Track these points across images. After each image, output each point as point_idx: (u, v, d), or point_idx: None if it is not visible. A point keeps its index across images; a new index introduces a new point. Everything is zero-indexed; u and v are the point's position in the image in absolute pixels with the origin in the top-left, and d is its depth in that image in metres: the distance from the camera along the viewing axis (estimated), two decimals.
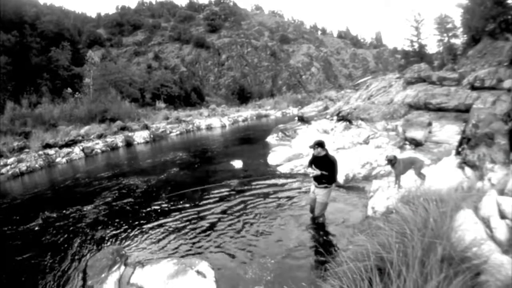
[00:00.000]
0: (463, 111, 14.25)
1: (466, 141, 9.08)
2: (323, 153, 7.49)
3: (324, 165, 7.42)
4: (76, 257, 7.70)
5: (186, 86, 64.89)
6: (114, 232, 9.01)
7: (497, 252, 3.93)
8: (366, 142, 14.54)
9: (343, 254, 4.46)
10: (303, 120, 26.17)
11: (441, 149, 11.97)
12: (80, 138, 26.10)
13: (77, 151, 24.14)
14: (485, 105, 12.97)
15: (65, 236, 9.13)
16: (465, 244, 4.01)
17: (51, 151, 22.54)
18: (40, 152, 21.98)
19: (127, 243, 8.16)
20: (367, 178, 11.31)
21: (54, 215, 11.04)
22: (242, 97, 77.76)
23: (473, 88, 15.45)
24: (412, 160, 8.48)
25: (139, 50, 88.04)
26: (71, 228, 9.71)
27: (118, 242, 8.27)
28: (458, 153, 9.54)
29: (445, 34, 39.22)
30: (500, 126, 8.67)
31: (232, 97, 78.85)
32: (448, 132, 13.35)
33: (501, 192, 5.61)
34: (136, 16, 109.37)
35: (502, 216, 4.69)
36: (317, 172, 7.46)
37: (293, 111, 55.13)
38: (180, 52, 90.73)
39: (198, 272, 5.90)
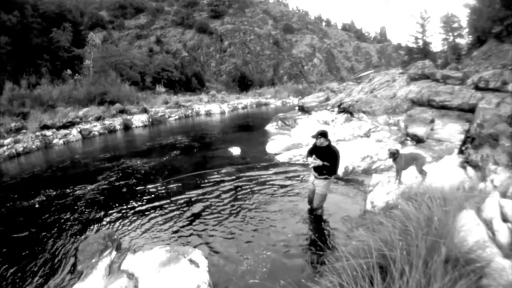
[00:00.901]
0: (466, 111, 14.24)
1: (470, 140, 8.96)
2: (326, 143, 7.33)
3: (326, 156, 7.25)
4: (69, 239, 7.61)
5: (187, 71, 64.55)
6: (108, 214, 8.92)
7: (498, 256, 3.81)
8: (367, 135, 14.42)
9: (343, 249, 4.28)
10: (303, 110, 26.06)
11: (443, 147, 11.88)
12: (78, 120, 25.85)
13: (74, 133, 23.98)
14: (490, 106, 12.80)
15: (59, 217, 9.03)
16: (469, 245, 3.90)
17: (48, 132, 22.33)
18: (37, 133, 21.78)
19: (120, 226, 8.06)
20: (367, 171, 11.19)
21: (50, 195, 10.96)
22: (243, 84, 77.46)
23: (477, 88, 15.40)
24: (415, 156, 8.33)
25: (141, 34, 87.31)
26: (66, 209, 9.61)
27: (111, 225, 8.18)
28: (461, 152, 9.43)
29: (450, 33, 39.11)
30: (505, 127, 8.59)
31: (232, 84, 78.55)
32: (450, 130, 13.27)
33: (504, 195, 5.52)
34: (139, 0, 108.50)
35: (504, 219, 4.58)
36: (318, 162, 7.28)
37: (294, 101, 55.22)
38: (183, 37, 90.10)
39: (191, 261, 5.73)
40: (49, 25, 44.10)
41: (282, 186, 10.31)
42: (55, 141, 22.15)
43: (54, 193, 11.20)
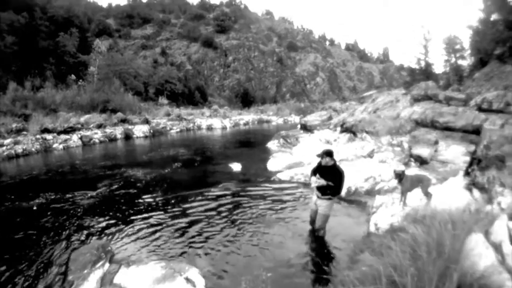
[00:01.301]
0: (470, 132, 14.12)
1: (476, 162, 8.80)
2: (331, 163, 7.10)
3: (331, 176, 7.01)
4: (62, 245, 7.36)
5: (190, 84, 64.82)
6: (103, 223, 8.68)
7: (509, 281, 3.62)
8: (370, 155, 14.24)
9: (349, 273, 4.09)
10: (306, 128, 25.98)
11: (447, 168, 11.68)
12: (79, 126, 25.86)
13: (75, 139, 23.93)
14: (494, 127, 12.69)
15: (55, 221, 8.84)
16: (480, 270, 3.72)
17: (49, 136, 22.28)
18: (38, 136, 21.74)
19: (115, 237, 7.80)
20: (370, 192, 10.92)
21: (47, 199, 10.81)
22: (245, 100, 77.81)
23: (480, 109, 15.31)
24: (420, 178, 8.13)
25: (147, 44, 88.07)
26: (62, 213, 9.41)
27: (106, 235, 7.93)
28: (467, 173, 9.27)
29: (452, 55, 39.21)
30: (511, 149, 8.45)
31: (235, 99, 78.89)
32: (454, 152, 13.10)
33: (511, 217, 5.21)
34: (147, 10, 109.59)
35: None
36: (322, 182, 7.04)
37: (295, 119, 55.21)
38: (187, 49, 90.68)
39: (187, 280, 5.49)
40: (57, 29, 44.44)
41: (283, 205, 10.06)
42: (55, 145, 22.08)
43: (52, 197, 11.02)
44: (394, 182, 9.87)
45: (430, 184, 8.11)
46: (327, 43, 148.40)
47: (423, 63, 41.06)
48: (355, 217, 9.01)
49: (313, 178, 7.28)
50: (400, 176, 7.84)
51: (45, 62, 40.75)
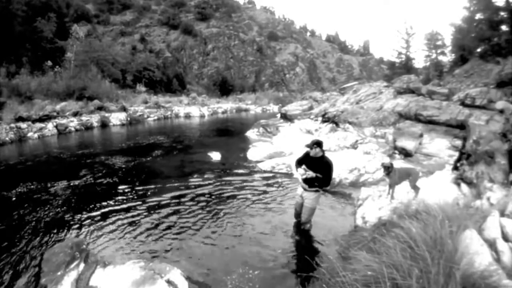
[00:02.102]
0: (453, 126, 14.27)
1: (465, 157, 8.79)
2: (320, 154, 6.82)
3: (319, 167, 6.73)
4: (35, 243, 6.93)
5: (169, 72, 64.05)
6: (79, 217, 8.25)
7: (505, 278, 3.62)
8: (354, 147, 14.12)
9: (347, 274, 3.84)
10: (286, 117, 25.80)
11: (432, 162, 11.68)
12: (55, 114, 25.08)
13: (50, 127, 23.21)
14: (479, 123, 12.68)
15: (28, 214, 8.39)
16: (479, 269, 3.63)
17: (23, 125, 21.50)
18: (12, 125, 20.96)
19: (90, 232, 7.40)
20: (354, 184, 10.76)
21: (21, 191, 10.32)
22: (224, 89, 77.31)
23: (463, 105, 15.58)
24: (409, 171, 7.99)
25: (126, 31, 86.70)
26: (36, 206, 8.96)
27: (81, 230, 7.52)
28: (455, 168, 9.24)
29: (433, 51, 39.75)
30: (499, 145, 8.50)
31: (213, 88, 78.34)
32: (438, 145, 13.16)
33: (501, 213, 5.36)
34: None
35: (506, 238, 4.47)
36: (311, 174, 6.75)
37: (274, 108, 55.61)
38: (167, 37, 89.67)
39: (169, 282, 5.11)
40: (34, 14, 43.07)
41: (266, 196, 9.80)
42: (29, 134, 21.33)
43: (25, 188, 10.54)
44: (379, 174, 9.76)
45: (418, 177, 8.01)
46: (308, 34, 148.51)
47: (404, 57, 41.48)
48: (340, 210, 8.84)
49: (300, 170, 6.98)
50: (388, 169, 7.69)
51: (22, 48, 39.51)
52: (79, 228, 7.66)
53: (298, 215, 7.48)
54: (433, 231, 4.24)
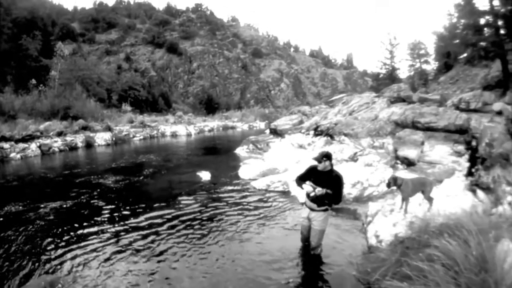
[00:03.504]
0: (452, 132, 13.93)
1: (480, 161, 8.44)
2: (329, 168, 6.14)
3: (328, 182, 5.98)
4: (8, 275, 6.04)
5: (154, 91, 63.94)
6: (59, 245, 7.34)
7: None
8: (353, 159, 13.57)
9: None
10: (276, 132, 25.29)
11: (436, 169, 11.18)
12: (38, 134, 24.31)
13: (33, 148, 22.38)
14: (480, 126, 12.40)
15: (2, 242, 7.52)
16: None
17: (6, 145, 20.77)
18: None
19: (70, 263, 6.46)
20: (359, 199, 10.12)
21: None
22: (210, 107, 77.50)
23: (458, 109, 15.40)
24: (423, 182, 7.41)
25: (111, 49, 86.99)
26: (14, 232, 8.10)
27: (60, 259, 6.59)
28: (470, 174, 8.94)
29: (417, 60, 40.20)
30: (511, 146, 8.13)
31: (199, 106, 78.50)
32: (439, 152, 12.76)
33: None
34: (112, 14, 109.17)
35: None
36: (321, 191, 5.95)
37: (260, 124, 55.88)
38: (152, 55, 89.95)
39: None
40: (20, 32, 42.74)
41: (264, 219, 8.92)
42: (12, 155, 20.57)
43: (4, 211, 9.79)
44: (385, 187, 9.25)
45: (432, 187, 7.44)
46: (292, 49, 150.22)
47: (389, 68, 41.73)
48: (347, 229, 8.07)
49: (307, 187, 6.17)
50: (395, 180, 7.13)
51: (6, 66, 38.95)
52: (58, 258, 6.71)
53: (305, 239, 6.68)
54: (475, 248, 3.76)
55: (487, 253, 3.66)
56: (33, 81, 36.85)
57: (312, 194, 6.10)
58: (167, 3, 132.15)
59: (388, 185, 7.28)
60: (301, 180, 6.38)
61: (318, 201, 6.12)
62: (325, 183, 5.99)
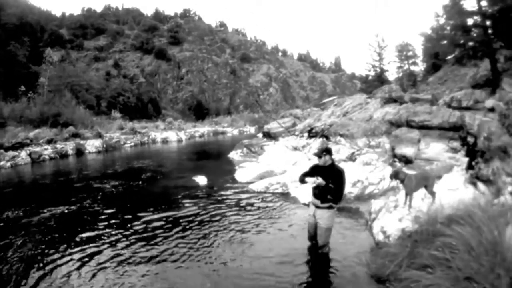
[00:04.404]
0: (447, 129, 14.15)
1: (479, 154, 8.66)
2: (329, 162, 6.15)
3: (330, 177, 5.94)
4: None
5: (144, 97, 63.81)
6: (54, 255, 6.89)
7: None
8: (352, 159, 13.59)
9: None
10: (269, 136, 25.31)
11: (433, 166, 11.29)
12: (28, 141, 24.10)
13: (23, 156, 22.10)
14: (475, 123, 12.75)
15: None
16: None
17: None
18: None
19: (62, 276, 6.03)
20: (360, 198, 10.12)
21: None
22: (199, 113, 77.58)
23: (450, 108, 15.66)
24: (426, 176, 7.44)
25: (100, 56, 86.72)
26: (8, 239, 7.82)
27: (51, 275, 6.07)
28: (470, 167, 9.13)
29: (405, 62, 40.47)
30: (509, 139, 8.38)
31: (189, 112, 78.34)
32: (435, 149, 13.00)
33: None
34: (101, 20, 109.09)
35: None
36: (320, 180, 5.90)
37: (250, 129, 56.28)
38: (141, 62, 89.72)
39: None
40: (8, 38, 42.34)
41: (266, 220, 8.75)
42: (1, 163, 20.19)
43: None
44: (385, 184, 9.21)
45: (435, 182, 7.47)
46: (280, 54, 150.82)
47: (378, 70, 41.94)
48: (351, 227, 8.05)
49: (310, 179, 6.12)
50: (397, 174, 7.18)
51: None
52: (51, 271, 6.26)
53: (312, 237, 6.58)
54: (488, 234, 3.93)
55: (499, 237, 3.83)
56: (22, 87, 36.57)
57: (313, 184, 6.07)
58: (155, 8, 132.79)
59: (391, 177, 7.37)
60: (304, 176, 6.35)
61: (321, 196, 6.10)
62: (327, 177, 5.96)
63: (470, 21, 18.87)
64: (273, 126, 27.26)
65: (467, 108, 15.13)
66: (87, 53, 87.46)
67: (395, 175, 7.26)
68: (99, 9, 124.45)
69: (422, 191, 7.54)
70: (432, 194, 7.27)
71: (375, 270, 5.27)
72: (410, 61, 40.83)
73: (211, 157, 24.38)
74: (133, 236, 7.90)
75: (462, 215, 4.81)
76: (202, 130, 51.03)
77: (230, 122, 66.67)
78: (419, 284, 3.71)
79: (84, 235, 8.11)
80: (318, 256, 6.35)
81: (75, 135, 29.62)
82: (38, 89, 38.75)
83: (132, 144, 34.81)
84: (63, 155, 25.20)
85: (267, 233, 7.85)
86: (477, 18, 18.28)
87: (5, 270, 6.39)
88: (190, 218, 9.11)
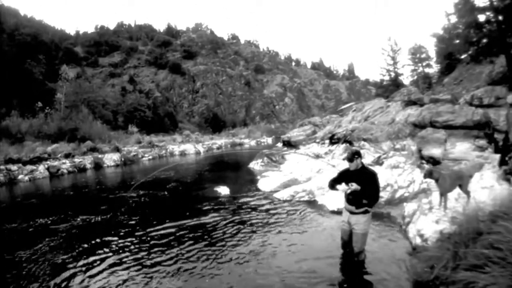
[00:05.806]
0: (471, 128, 13.77)
1: None
2: (361, 165, 5.88)
3: (362, 181, 5.63)
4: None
5: (160, 111, 63.98)
6: (80, 263, 6.83)
7: None
8: (379, 163, 13.24)
9: None
10: (290, 144, 25.10)
11: (462, 166, 10.76)
12: (46, 155, 24.30)
13: (41, 170, 22.27)
14: (500, 119, 12.88)
15: (7, 265, 7.00)
16: None
17: (13, 167, 20.74)
18: (2, 167, 20.22)
19: (89, 274, 6.12)
20: (391, 202, 9.80)
21: (11, 234, 9.30)
22: (216, 125, 77.94)
23: (471, 106, 15.25)
24: (460, 175, 7.09)
25: (115, 72, 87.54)
26: (22, 255, 7.56)
27: (70, 280, 6.03)
28: (504, 163, 8.88)
29: (419, 64, 39.95)
30: None
31: (205, 125, 78.44)
32: (461, 148, 12.60)
33: None
34: (114, 37, 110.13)
35: None
36: (355, 186, 5.58)
37: (268, 140, 56.60)
38: (155, 76, 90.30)
39: None
40: (24, 56, 43.08)
41: (296, 228, 8.43)
42: (20, 176, 20.47)
43: (15, 231, 9.52)
44: (416, 187, 8.90)
45: (469, 180, 7.09)
46: (293, 63, 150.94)
47: (392, 74, 41.51)
48: (384, 232, 7.71)
49: (341, 186, 5.89)
50: (431, 173, 6.92)
51: (12, 89, 39.11)
52: (73, 275, 6.24)
53: (346, 245, 6.24)
54: None
55: None
56: (39, 104, 37.08)
57: (348, 191, 5.75)
58: (167, 24, 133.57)
59: (425, 176, 7.14)
60: (333, 182, 6.15)
61: (356, 201, 5.81)
62: (359, 182, 5.65)
63: (482, 18, 18.57)
64: (293, 134, 27.07)
65: (489, 106, 14.80)
66: (102, 69, 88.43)
67: (429, 174, 7.02)
68: (112, 26, 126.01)
69: (455, 191, 7.21)
70: (467, 193, 6.95)
71: (418, 275, 4.93)
72: (424, 63, 40.41)
73: (231, 168, 24.19)
74: (157, 246, 7.74)
75: (506, 210, 4.54)
76: (220, 142, 50.99)
77: (247, 133, 66.86)
78: (476, 285, 3.41)
79: (111, 242, 8.16)
80: (353, 264, 6.01)
81: (93, 149, 29.84)
82: (55, 105, 39.29)
83: (150, 157, 34.90)
84: (81, 169, 25.36)
85: (297, 242, 7.49)
86: (490, 13, 17.93)
87: (31, 274, 6.46)
88: (214, 228, 8.89)
